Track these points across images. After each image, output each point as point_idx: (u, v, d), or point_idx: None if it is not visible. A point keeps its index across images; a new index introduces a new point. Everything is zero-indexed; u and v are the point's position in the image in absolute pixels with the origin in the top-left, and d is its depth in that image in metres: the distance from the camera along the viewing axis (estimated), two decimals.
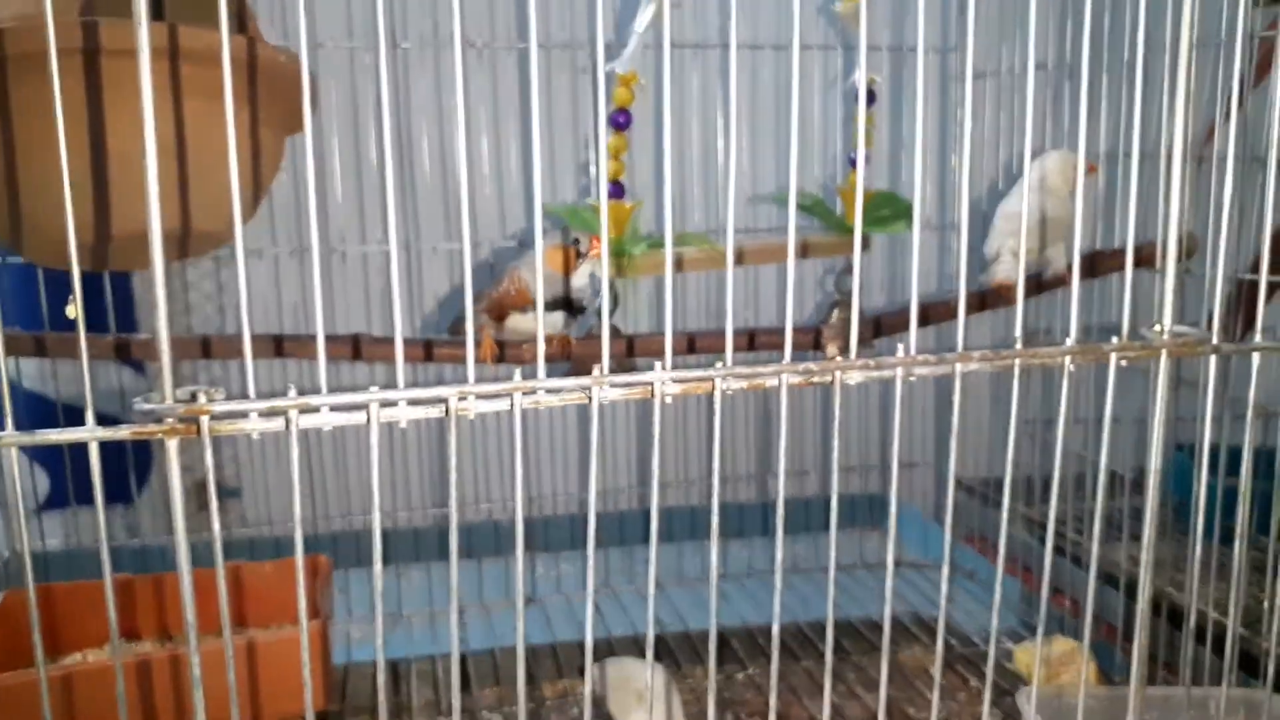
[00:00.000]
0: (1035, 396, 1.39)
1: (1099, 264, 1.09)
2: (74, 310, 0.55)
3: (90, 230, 0.77)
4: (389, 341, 0.97)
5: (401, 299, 0.56)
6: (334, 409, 0.55)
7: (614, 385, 0.58)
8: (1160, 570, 1.17)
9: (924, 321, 1.09)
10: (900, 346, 0.62)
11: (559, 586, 1.52)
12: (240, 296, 0.54)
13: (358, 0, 1.46)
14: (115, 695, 0.57)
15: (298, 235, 1.49)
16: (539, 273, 0.61)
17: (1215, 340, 0.67)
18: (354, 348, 1.00)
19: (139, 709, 0.90)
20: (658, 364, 0.59)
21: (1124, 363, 0.66)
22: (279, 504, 1.56)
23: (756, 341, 1.04)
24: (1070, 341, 0.65)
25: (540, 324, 0.58)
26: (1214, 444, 0.99)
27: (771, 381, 0.60)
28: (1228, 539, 0.75)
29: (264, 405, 0.54)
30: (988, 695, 0.71)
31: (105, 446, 0.54)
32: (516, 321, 1.03)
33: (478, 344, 1.01)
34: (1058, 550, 1.30)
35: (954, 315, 0.65)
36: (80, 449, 0.54)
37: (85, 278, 0.54)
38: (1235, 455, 0.75)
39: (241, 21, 0.85)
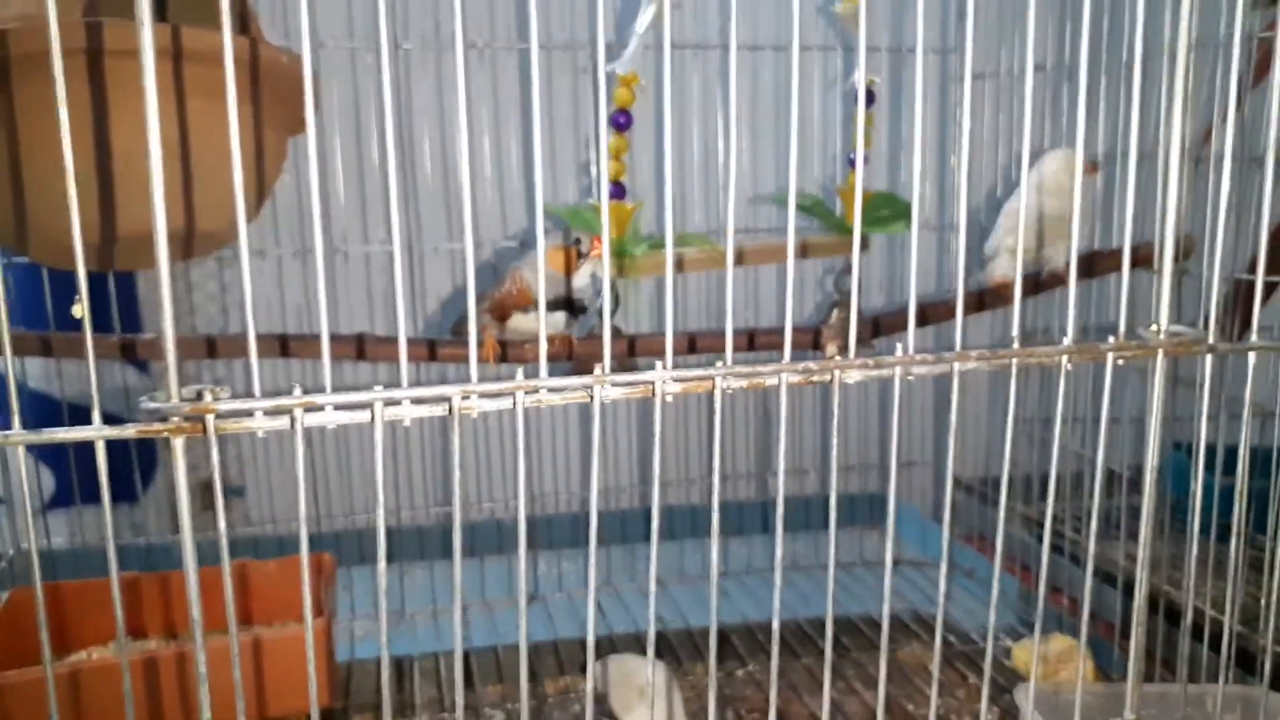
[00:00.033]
0: (1033, 396, 1.39)
1: (1096, 264, 1.09)
2: (80, 310, 0.55)
3: (95, 230, 0.77)
4: (393, 341, 0.97)
5: (404, 299, 0.56)
6: (338, 407, 0.55)
7: (615, 384, 0.59)
8: (1157, 568, 1.18)
9: (922, 321, 1.10)
10: (899, 346, 0.62)
11: (561, 584, 1.53)
12: (245, 296, 0.54)
13: (359, 1, 1.46)
14: (122, 692, 0.57)
15: (300, 235, 1.50)
16: (541, 272, 0.61)
17: (1212, 340, 0.68)
18: (358, 347, 1.01)
19: (145, 706, 0.90)
20: (659, 363, 0.59)
21: (1121, 362, 0.66)
22: (283, 502, 1.56)
23: (756, 341, 1.04)
24: (1068, 341, 0.65)
25: (543, 323, 0.58)
26: (1211, 443, 1.00)
27: (771, 381, 0.61)
28: (1225, 537, 0.76)
29: (269, 404, 0.54)
30: (986, 692, 0.71)
31: (110, 445, 0.54)
32: (518, 321, 1.04)
33: (480, 344, 1.02)
34: (1055, 548, 1.31)
35: (952, 315, 0.66)
36: (85, 448, 0.54)
37: (90, 278, 0.54)
38: (1232, 454, 0.76)
39: (244, 22, 0.86)
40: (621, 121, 1.05)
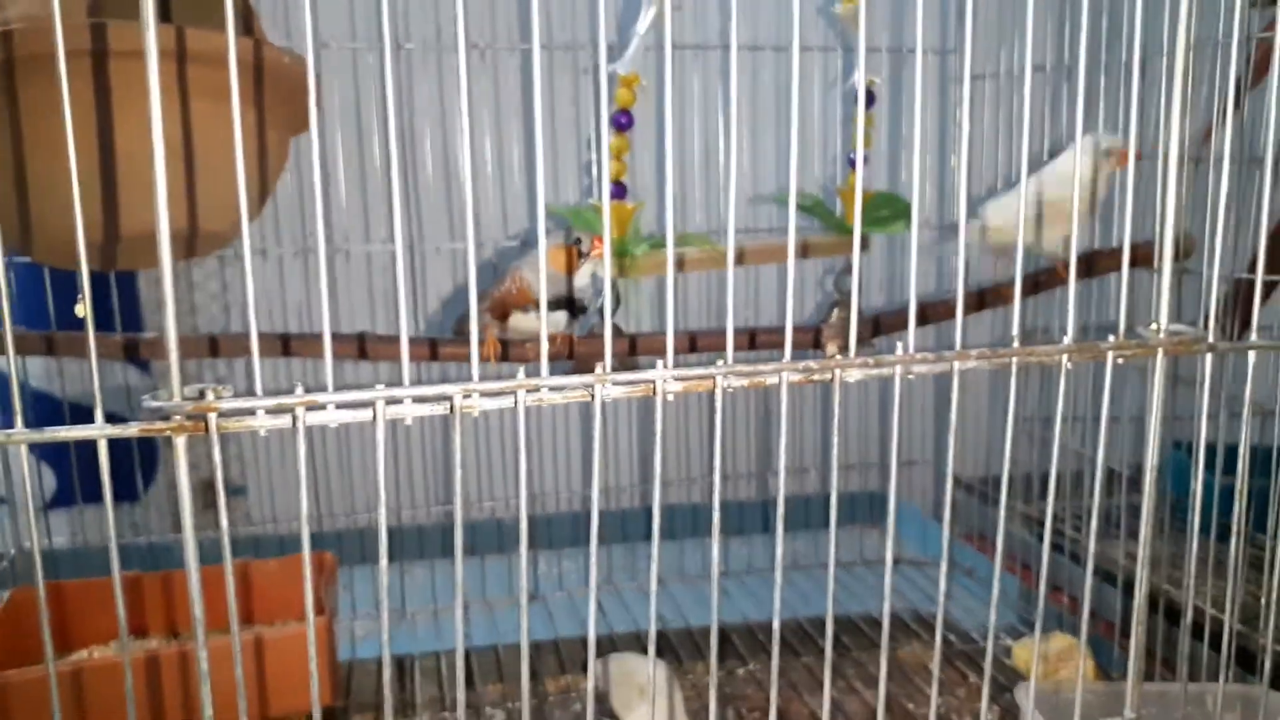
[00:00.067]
0: (1033, 395, 1.39)
1: (1097, 263, 1.10)
2: (83, 309, 0.55)
3: (99, 230, 0.78)
4: (394, 340, 0.98)
5: (405, 298, 0.57)
6: (340, 406, 0.55)
7: (617, 383, 0.59)
8: (1157, 567, 1.18)
9: (922, 320, 1.10)
10: (899, 345, 0.63)
11: (561, 583, 1.53)
12: (247, 295, 0.54)
13: (360, 1, 1.47)
14: (124, 691, 0.57)
15: (302, 235, 1.50)
16: (543, 272, 0.61)
17: (1212, 339, 0.68)
18: (359, 347, 1.01)
19: (147, 705, 0.90)
20: (660, 362, 0.59)
21: (1121, 361, 0.66)
22: (283, 502, 1.57)
23: (757, 340, 1.05)
24: (1068, 340, 0.66)
25: (544, 322, 0.58)
26: (1211, 442, 1.00)
27: (772, 379, 0.61)
28: (1225, 536, 0.76)
29: (271, 403, 0.54)
30: (986, 691, 0.71)
31: (111, 445, 0.54)
32: (518, 320, 1.04)
33: (481, 343, 1.02)
34: (1056, 547, 1.31)
35: (952, 314, 0.66)
36: (86, 447, 0.55)
37: (92, 278, 0.55)
38: (1232, 453, 0.76)
39: (247, 24, 0.86)
40: (622, 122, 1.05)
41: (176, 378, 0.52)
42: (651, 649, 0.63)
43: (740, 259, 1.11)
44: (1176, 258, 0.67)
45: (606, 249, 0.62)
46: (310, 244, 1.48)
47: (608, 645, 1.19)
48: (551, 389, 0.58)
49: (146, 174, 0.50)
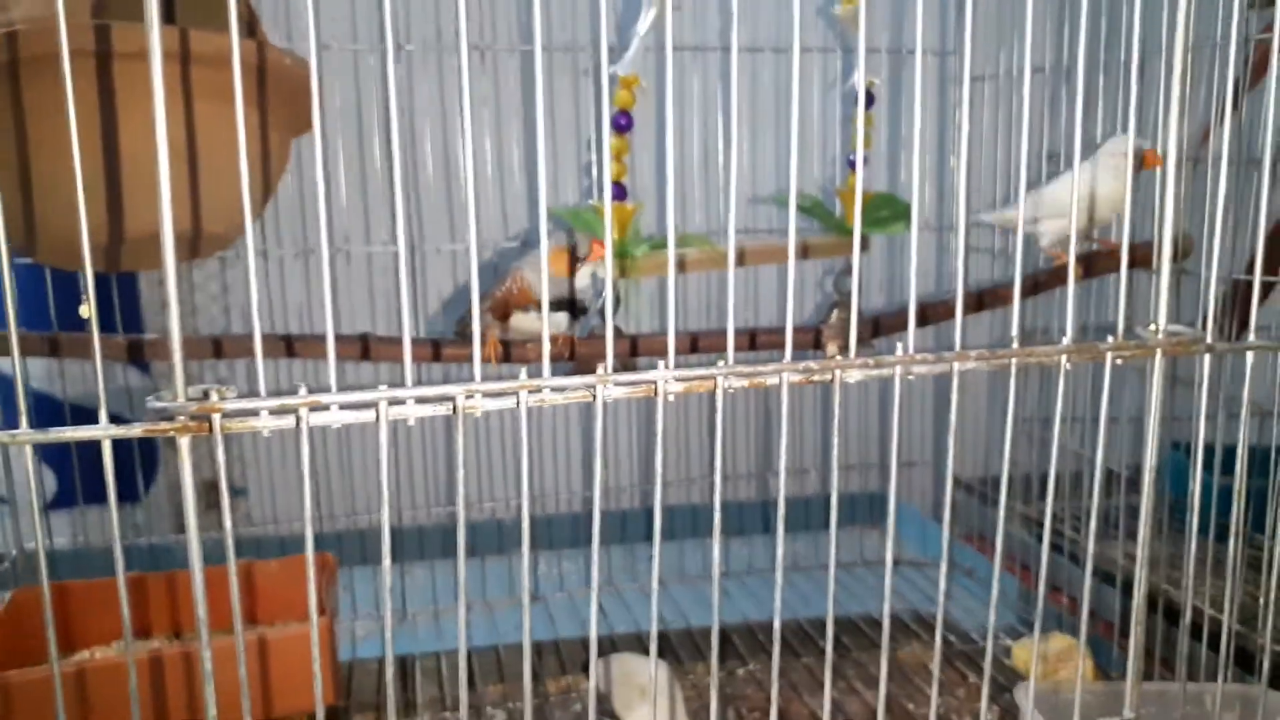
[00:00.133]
0: (1033, 395, 1.40)
1: (1095, 264, 1.10)
2: (87, 310, 0.56)
3: (102, 231, 0.78)
4: (397, 341, 0.98)
5: (407, 299, 0.57)
6: (343, 407, 0.56)
7: (618, 383, 0.59)
8: (1156, 567, 1.18)
9: (922, 321, 1.10)
10: (899, 346, 0.63)
11: (562, 584, 1.53)
12: (250, 296, 0.54)
13: (361, 3, 1.47)
14: (128, 691, 0.57)
15: (303, 236, 1.50)
16: (544, 272, 0.62)
17: (1210, 339, 0.68)
18: (362, 347, 1.01)
19: (150, 705, 0.91)
20: (660, 363, 0.59)
21: (1120, 362, 0.67)
22: (284, 503, 1.57)
23: (757, 341, 1.05)
24: (1067, 341, 0.66)
25: (546, 323, 0.59)
26: (1209, 442, 1.00)
27: (772, 380, 0.61)
28: (1223, 536, 0.76)
29: (275, 403, 0.54)
30: (986, 691, 0.71)
31: (113, 446, 0.55)
32: (519, 320, 1.04)
33: (483, 343, 1.03)
34: (1055, 548, 1.31)
35: (952, 315, 0.66)
36: (88, 448, 0.55)
37: (95, 279, 0.55)
38: (1230, 453, 0.76)
39: (250, 26, 0.86)
40: (622, 123, 1.06)
41: (180, 378, 0.53)
42: (653, 649, 0.63)
43: (740, 260, 1.11)
44: (1175, 259, 0.67)
45: (608, 250, 0.62)
46: (311, 245, 1.49)
47: (608, 646, 1.19)
48: (553, 389, 0.58)
49: (150, 175, 0.50)
